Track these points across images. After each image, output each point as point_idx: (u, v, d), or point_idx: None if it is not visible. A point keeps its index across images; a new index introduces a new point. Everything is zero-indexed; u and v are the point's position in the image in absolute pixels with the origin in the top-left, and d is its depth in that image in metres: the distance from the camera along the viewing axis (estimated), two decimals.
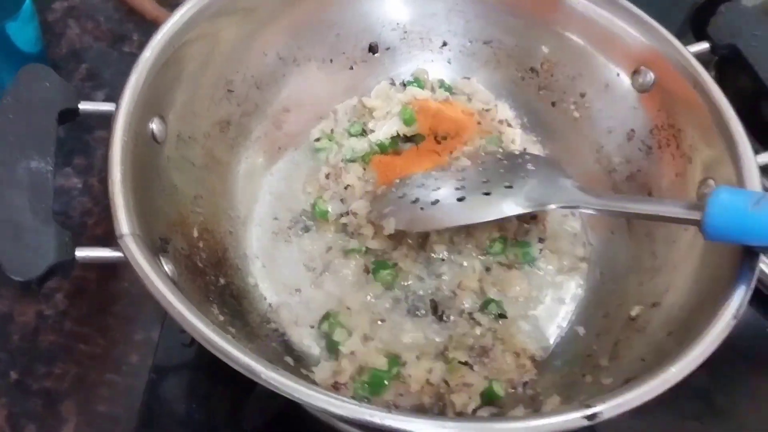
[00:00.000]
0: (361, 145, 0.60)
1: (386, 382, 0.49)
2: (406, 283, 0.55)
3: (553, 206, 0.51)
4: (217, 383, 0.56)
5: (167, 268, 0.43)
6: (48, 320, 0.60)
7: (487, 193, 0.52)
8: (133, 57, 0.47)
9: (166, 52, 0.49)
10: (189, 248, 0.49)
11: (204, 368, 0.57)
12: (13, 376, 0.57)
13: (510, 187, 0.52)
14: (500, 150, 0.60)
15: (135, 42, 0.79)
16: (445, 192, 0.53)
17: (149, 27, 0.76)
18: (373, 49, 0.63)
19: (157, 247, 0.44)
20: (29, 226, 0.39)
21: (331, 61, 0.62)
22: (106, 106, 0.46)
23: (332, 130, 0.61)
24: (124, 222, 0.40)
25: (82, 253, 0.40)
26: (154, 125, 0.48)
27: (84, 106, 0.46)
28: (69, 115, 0.45)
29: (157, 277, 0.39)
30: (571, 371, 0.51)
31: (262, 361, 0.37)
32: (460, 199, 0.52)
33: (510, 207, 0.51)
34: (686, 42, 0.57)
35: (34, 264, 0.38)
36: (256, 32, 0.57)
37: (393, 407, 0.47)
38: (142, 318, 0.61)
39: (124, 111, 0.44)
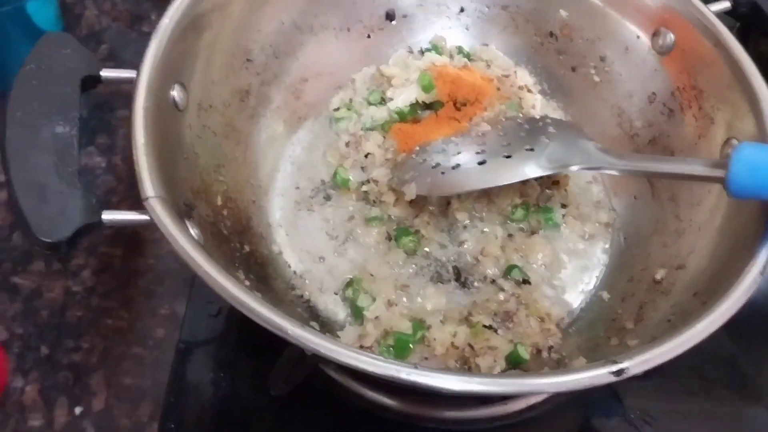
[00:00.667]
0: (380, 113, 0.59)
1: (411, 346, 0.49)
2: (428, 250, 0.55)
3: (575, 167, 0.50)
4: (244, 353, 0.56)
5: (193, 232, 0.43)
6: (75, 296, 0.61)
7: (508, 156, 0.51)
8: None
9: (184, 20, 0.49)
10: (214, 215, 0.49)
11: (230, 339, 0.57)
12: (43, 351, 0.58)
13: (531, 149, 0.51)
14: (520, 115, 0.60)
15: (153, 22, 0.78)
16: (465, 156, 0.52)
17: (166, 7, 0.77)
18: (390, 16, 0.63)
19: (182, 212, 0.44)
20: (56, 189, 0.39)
21: (349, 29, 0.62)
22: (128, 73, 0.46)
23: (351, 100, 0.61)
24: (149, 184, 0.40)
25: (109, 216, 0.40)
26: (175, 92, 0.48)
27: (106, 73, 0.46)
28: (91, 82, 0.46)
29: (184, 238, 0.39)
30: (596, 334, 0.51)
31: (290, 319, 0.37)
32: (481, 163, 0.52)
33: (531, 169, 0.50)
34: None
35: (62, 226, 0.38)
36: (272, 1, 0.57)
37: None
38: (167, 293, 0.61)
39: (145, 76, 0.44)
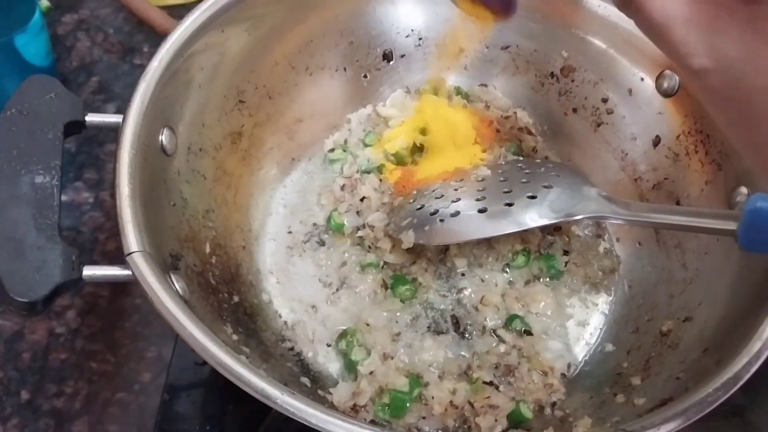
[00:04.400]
0: (376, 155, 0.58)
1: (408, 405, 0.47)
2: (425, 299, 0.53)
3: (579, 217, 0.49)
4: (232, 403, 0.54)
5: (178, 286, 0.41)
6: (59, 338, 0.59)
7: (509, 204, 0.50)
8: (144, 69, 0.46)
9: (174, 62, 0.47)
10: (201, 265, 0.47)
11: (218, 387, 0.55)
12: (24, 396, 0.56)
13: (533, 197, 0.50)
14: (521, 158, 0.58)
15: (145, 54, 0.78)
16: (465, 203, 0.51)
17: (159, 39, 0.75)
18: (387, 56, 0.62)
19: (168, 265, 0.42)
20: (33, 244, 0.38)
21: (345, 69, 0.60)
22: (114, 118, 0.44)
23: (346, 141, 0.60)
24: (132, 239, 0.39)
25: (89, 271, 0.39)
26: (164, 137, 0.46)
27: (91, 118, 0.44)
28: (75, 128, 0.44)
29: (167, 296, 0.37)
30: (601, 391, 0.49)
31: (278, 384, 0.36)
32: (481, 211, 0.50)
33: (534, 218, 0.49)
34: None
35: (38, 283, 0.37)
36: (266, 41, 0.55)
37: (415, 431, 0.46)
38: (154, 335, 0.59)
39: (132, 122, 0.43)
